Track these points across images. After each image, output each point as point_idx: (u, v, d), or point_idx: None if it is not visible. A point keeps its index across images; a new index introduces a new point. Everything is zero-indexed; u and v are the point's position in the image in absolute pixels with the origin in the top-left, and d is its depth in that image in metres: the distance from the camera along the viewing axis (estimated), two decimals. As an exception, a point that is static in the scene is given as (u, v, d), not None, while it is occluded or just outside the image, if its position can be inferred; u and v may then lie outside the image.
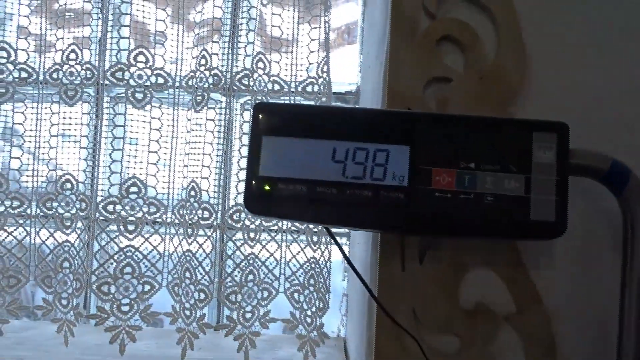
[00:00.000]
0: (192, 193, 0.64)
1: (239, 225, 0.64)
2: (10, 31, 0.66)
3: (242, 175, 0.64)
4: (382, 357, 0.54)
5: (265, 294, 0.65)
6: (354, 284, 0.73)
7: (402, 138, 0.46)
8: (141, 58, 0.64)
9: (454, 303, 0.54)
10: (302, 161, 0.47)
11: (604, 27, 0.55)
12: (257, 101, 0.63)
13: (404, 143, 0.46)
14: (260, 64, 0.64)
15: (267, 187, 0.47)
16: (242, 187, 0.64)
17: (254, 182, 0.47)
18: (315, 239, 0.64)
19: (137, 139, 0.64)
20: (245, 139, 0.64)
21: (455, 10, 0.55)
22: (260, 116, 0.47)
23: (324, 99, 0.63)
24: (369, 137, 0.47)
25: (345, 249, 0.74)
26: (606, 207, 0.52)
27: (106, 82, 0.64)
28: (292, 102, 0.63)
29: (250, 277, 0.64)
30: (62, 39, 0.65)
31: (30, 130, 0.66)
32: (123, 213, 0.64)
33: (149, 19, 0.65)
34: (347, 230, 0.76)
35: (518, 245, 0.54)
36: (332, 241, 0.54)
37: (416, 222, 0.47)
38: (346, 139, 0.47)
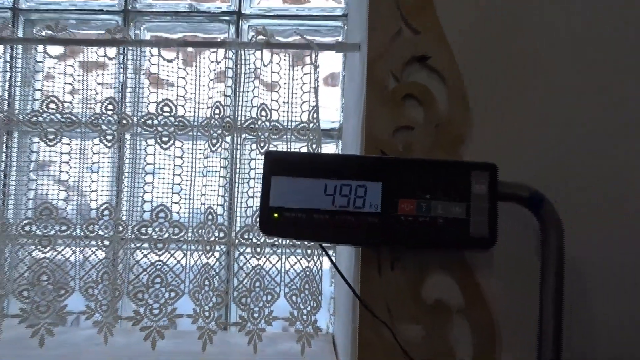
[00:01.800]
0: (210, 217, 0.79)
1: (247, 242, 0.79)
2: (57, 86, 0.80)
3: (250, 202, 0.79)
4: (364, 344, 0.70)
5: (269, 297, 0.80)
6: (340, 288, 0.88)
7: (376, 176, 0.63)
8: (166, 108, 0.80)
9: (418, 300, 0.70)
10: (301, 195, 0.63)
11: (526, 83, 0.72)
12: (262, 144, 0.79)
13: (378, 180, 0.63)
14: (263, 113, 0.80)
15: (275, 215, 0.62)
16: (249, 211, 0.80)
17: (265, 211, 0.62)
18: (309, 252, 0.80)
19: (163, 173, 0.80)
20: (251, 172, 0.80)
21: (415, 74, 0.72)
22: (270, 161, 0.63)
23: (314, 139, 0.79)
24: (351, 176, 0.63)
25: (333, 259, 0.90)
26: (531, 224, 0.68)
27: (138, 129, 0.79)
28: (290, 146, 0.79)
29: (257, 283, 0.79)
30: (101, 93, 0.80)
31: (74, 167, 0.80)
32: (153, 234, 0.79)
33: (172, 76, 0.80)
34: (334, 245, 0.92)
35: (465, 254, 0.70)
36: (324, 254, 0.70)
37: (388, 239, 0.63)
38: (335, 178, 0.63)
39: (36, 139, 0.80)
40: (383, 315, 0.69)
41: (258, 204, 0.79)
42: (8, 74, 0.84)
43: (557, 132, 0.71)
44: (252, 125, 0.79)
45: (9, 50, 0.85)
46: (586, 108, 0.71)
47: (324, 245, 0.69)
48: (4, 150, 0.83)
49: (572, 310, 0.70)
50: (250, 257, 0.80)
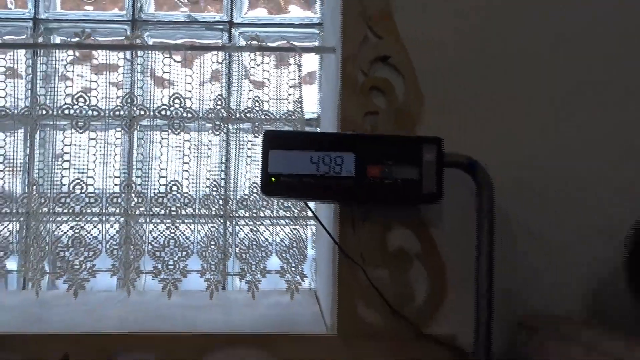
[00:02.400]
0: (214, 189, 0.97)
1: (246, 208, 0.97)
2: (83, 84, 0.97)
3: (247, 176, 0.97)
4: (343, 283, 0.88)
5: (264, 254, 0.98)
6: (320, 250, 1.06)
7: (350, 149, 0.81)
8: (177, 101, 0.97)
9: (385, 248, 0.89)
10: (293, 164, 0.81)
11: (467, 76, 0.92)
12: (259, 128, 0.97)
13: (351, 151, 0.81)
14: (257, 104, 0.98)
15: (273, 179, 0.81)
16: (247, 184, 0.98)
17: (265, 177, 0.80)
18: (295, 217, 0.98)
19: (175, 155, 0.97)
20: (248, 152, 0.98)
21: (379, 71, 0.91)
22: (268, 138, 0.81)
23: (299, 126, 0.98)
24: (331, 149, 0.81)
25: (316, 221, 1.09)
26: (471, 185, 0.88)
27: (154, 119, 0.96)
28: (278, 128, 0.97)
29: (254, 243, 0.97)
30: (121, 89, 0.97)
31: (100, 150, 0.97)
32: (168, 204, 0.96)
33: (180, 75, 0.98)
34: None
35: (421, 210, 0.90)
36: (308, 220, 0.88)
37: (360, 197, 0.82)
38: (318, 150, 0.81)
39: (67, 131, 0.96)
40: (357, 261, 0.88)
41: (253, 179, 0.98)
42: (39, 74, 1.00)
43: (491, 112, 0.91)
44: (248, 114, 0.97)
45: (34, 56, 1.01)
46: (518, 91, 0.92)
47: (310, 205, 0.88)
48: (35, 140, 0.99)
49: (503, 256, 0.89)
50: (248, 222, 0.97)
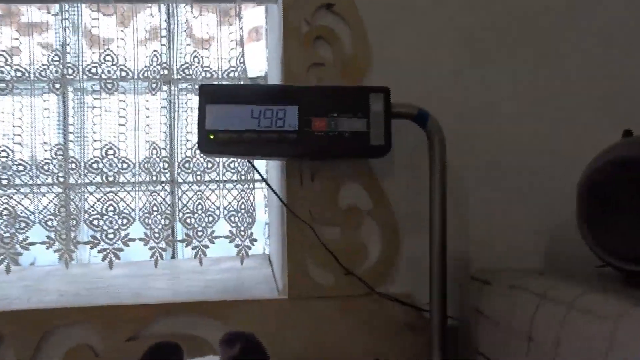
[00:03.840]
0: (154, 151, 0.91)
1: (189, 171, 0.92)
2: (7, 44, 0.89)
3: (189, 137, 0.92)
4: (292, 242, 0.84)
5: (211, 218, 0.93)
6: (272, 213, 1.02)
7: (293, 101, 0.76)
8: (108, 58, 0.90)
9: (335, 205, 0.86)
10: (232, 119, 0.76)
11: (417, 23, 0.87)
12: (198, 85, 0.91)
13: (294, 104, 0.76)
14: (196, 59, 0.92)
15: (211, 136, 0.75)
16: (189, 145, 0.92)
17: (203, 133, 0.75)
18: (242, 178, 0.93)
19: (110, 117, 0.90)
20: (188, 113, 0.92)
21: (324, 19, 0.86)
22: (204, 92, 0.76)
23: (242, 81, 0.92)
24: (273, 102, 0.76)
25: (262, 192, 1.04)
26: (422, 137, 0.84)
27: (84, 76, 0.89)
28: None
29: (199, 207, 0.92)
30: (46, 47, 0.89)
31: (28, 115, 0.89)
32: (104, 169, 0.90)
33: (108, 28, 0.90)
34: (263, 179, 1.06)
35: (371, 165, 0.86)
36: (254, 183, 0.84)
37: (305, 151, 0.77)
38: (259, 104, 0.76)
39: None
40: (307, 220, 0.84)
41: (196, 139, 0.92)
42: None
43: (440, 64, 0.88)
44: (187, 71, 0.91)
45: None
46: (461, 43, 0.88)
47: (254, 163, 0.83)
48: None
49: (455, 206, 0.87)
50: (192, 185, 0.92)
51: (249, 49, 1.11)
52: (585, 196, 0.64)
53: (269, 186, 0.83)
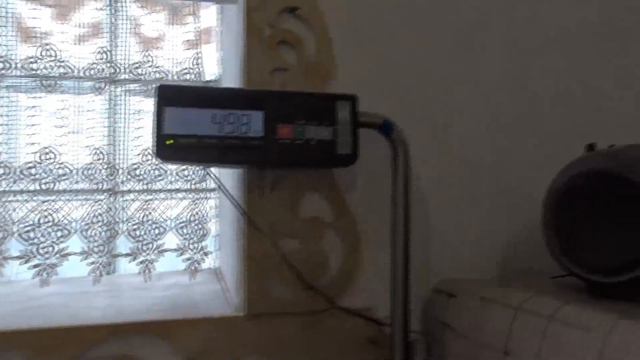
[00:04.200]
0: (97, 157, 0.83)
1: (136, 178, 0.85)
2: None
3: (137, 142, 0.85)
4: (251, 256, 0.80)
5: (158, 230, 0.87)
6: (224, 224, 0.97)
7: (258, 106, 0.73)
8: (47, 53, 0.82)
9: (295, 216, 0.82)
10: (193, 123, 0.70)
11: (383, 31, 0.86)
12: (151, 88, 0.84)
13: (259, 109, 0.73)
14: (146, 59, 0.85)
15: (170, 142, 0.70)
16: (137, 150, 0.85)
17: (160, 138, 0.69)
18: (195, 187, 0.88)
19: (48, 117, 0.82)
20: (136, 116, 0.85)
21: (288, 23, 0.83)
22: (162, 93, 0.70)
23: (198, 84, 0.87)
24: (237, 107, 0.72)
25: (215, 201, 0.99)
26: (385, 147, 0.83)
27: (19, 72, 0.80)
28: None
29: (147, 218, 0.85)
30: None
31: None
32: (39, 175, 0.81)
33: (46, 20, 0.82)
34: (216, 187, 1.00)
35: (334, 175, 0.83)
36: (214, 182, 0.79)
37: (270, 159, 0.73)
38: (222, 108, 0.72)
39: None
40: (266, 231, 0.80)
41: (144, 144, 0.86)
42: None
43: (408, 73, 0.87)
44: (138, 70, 0.85)
45: None
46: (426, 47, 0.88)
47: (212, 173, 0.78)
48: None
49: (416, 217, 0.86)
50: (139, 195, 0.85)
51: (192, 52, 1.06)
52: (553, 208, 0.65)
53: (230, 197, 0.78)
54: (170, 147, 0.70)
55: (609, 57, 0.97)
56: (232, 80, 0.89)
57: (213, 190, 0.93)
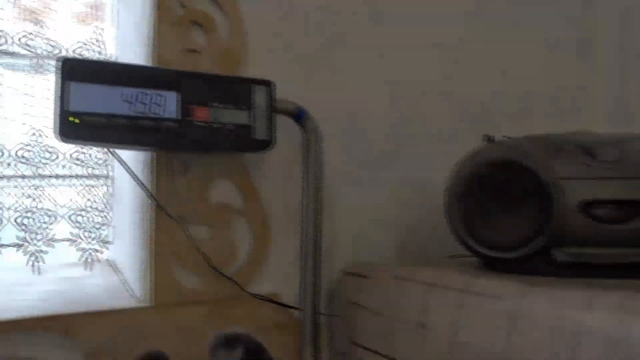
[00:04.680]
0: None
1: (24, 162, 0.77)
2: None
3: (27, 120, 0.77)
4: (159, 244, 0.76)
5: (49, 218, 0.79)
6: (123, 212, 0.90)
7: (173, 87, 0.70)
8: None
9: (205, 203, 0.80)
10: (101, 101, 0.66)
11: (297, 15, 0.87)
12: (40, 63, 0.76)
13: (174, 90, 0.70)
14: (36, 31, 0.77)
15: (75, 120, 0.64)
16: (26, 130, 0.77)
17: (63, 116, 0.63)
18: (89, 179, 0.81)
19: None
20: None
21: (200, 3, 0.80)
22: (67, 67, 0.64)
23: (95, 61, 0.80)
24: (149, 86, 0.68)
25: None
26: (296, 135, 0.84)
27: None
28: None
29: (37, 205, 0.77)
30: None
31: None
32: None
33: None
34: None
35: (244, 161, 0.83)
36: (121, 165, 0.74)
37: (185, 143, 0.71)
38: (133, 86, 0.67)
39: None
40: (176, 219, 0.77)
41: (36, 124, 0.78)
42: None
43: (318, 63, 0.89)
44: (24, 39, 0.76)
45: None
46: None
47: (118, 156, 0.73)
48: None
49: (329, 201, 0.89)
50: (27, 180, 0.77)
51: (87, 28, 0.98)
52: (459, 194, 0.70)
53: (138, 181, 0.73)
54: (75, 125, 0.64)
55: (497, 57, 1.07)
56: (135, 61, 0.84)
57: (106, 177, 0.87)
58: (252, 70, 0.82)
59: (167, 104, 0.69)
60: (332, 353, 0.86)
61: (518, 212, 0.65)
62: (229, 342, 0.39)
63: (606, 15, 1.17)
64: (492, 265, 0.68)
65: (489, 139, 0.74)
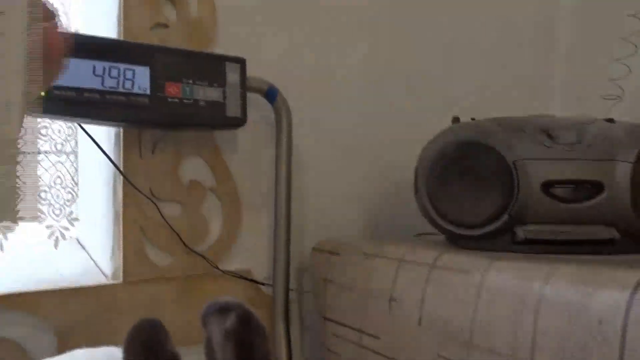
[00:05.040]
0: None
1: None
2: None
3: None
4: (129, 222, 0.76)
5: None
6: (88, 189, 0.88)
7: (144, 61, 0.69)
8: None
9: (176, 180, 0.80)
10: (70, 74, 0.64)
11: None
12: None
13: (145, 65, 0.69)
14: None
15: (43, 92, 0.62)
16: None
17: (31, 88, 0.62)
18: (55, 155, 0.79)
19: None
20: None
21: (169, -24, 0.79)
22: (34, 38, 0.62)
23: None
24: (120, 60, 0.67)
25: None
26: (268, 113, 0.84)
27: None
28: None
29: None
30: None
31: None
32: None
33: None
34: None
35: (216, 139, 0.82)
36: (91, 140, 0.72)
37: (157, 118, 0.70)
38: (103, 60, 0.66)
39: None
40: (146, 195, 0.77)
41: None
42: None
43: (295, 38, 0.89)
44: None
45: None
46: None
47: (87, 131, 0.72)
48: None
49: (300, 178, 0.90)
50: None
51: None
52: (427, 173, 0.73)
53: (108, 156, 0.72)
54: (44, 99, 0.62)
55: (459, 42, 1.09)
56: (101, 34, 0.82)
57: (71, 152, 0.85)
58: (222, 45, 0.82)
59: (138, 78, 0.68)
60: (303, 328, 0.89)
61: (483, 191, 0.68)
62: (222, 310, 0.40)
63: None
64: (457, 242, 0.71)
65: (456, 120, 0.77)
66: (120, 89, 0.67)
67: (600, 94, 0.69)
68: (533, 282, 0.50)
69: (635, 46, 0.68)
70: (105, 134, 0.77)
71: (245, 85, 0.76)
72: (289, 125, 0.82)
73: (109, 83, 0.66)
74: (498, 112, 0.77)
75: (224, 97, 0.74)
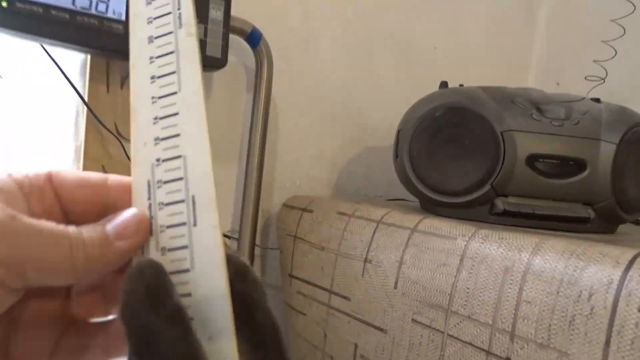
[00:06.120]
0: None
1: None
2: None
3: None
4: (90, 158, 0.70)
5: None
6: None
7: (121, -16, 0.62)
8: None
9: (145, 120, 0.74)
10: (36, -13, 0.57)
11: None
12: None
13: (122, -12, 0.62)
14: None
15: (3, 2, 0.55)
16: None
17: (-10, -3, 0.55)
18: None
19: None
20: None
21: None
22: (-2, -61, 0.55)
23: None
24: (94, -22, 0.60)
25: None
26: (249, 58, 0.80)
27: None
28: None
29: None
30: None
31: None
32: None
33: None
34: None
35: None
36: (53, 62, 0.65)
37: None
38: (76, -24, 0.59)
39: None
40: (111, 131, 0.71)
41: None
42: None
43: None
44: None
45: None
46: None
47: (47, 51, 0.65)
48: None
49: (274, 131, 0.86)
50: None
51: None
52: (409, 135, 0.71)
53: (71, 83, 0.66)
54: (5, 10, 0.56)
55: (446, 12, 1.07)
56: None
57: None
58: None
59: (114, 2, 0.62)
60: (265, 285, 0.86)
61: (467, 159, 0.67)
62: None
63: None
64: (433, 210, 0.70)
65: (444, 85, 0.74)
66: (93, 11, 0.60)
67: (583, 74, 0.68)
68: (522, 253, 0.49)
69: (624, 29, 0.67)
70: (70, 60, 0.70)
71: (228, 24, 0.70)
72: (270, 72, 0.78)
73: (81, 3, 0.60)
74: (474, 81, 0.75)
75: (205, 35, 0.68)
